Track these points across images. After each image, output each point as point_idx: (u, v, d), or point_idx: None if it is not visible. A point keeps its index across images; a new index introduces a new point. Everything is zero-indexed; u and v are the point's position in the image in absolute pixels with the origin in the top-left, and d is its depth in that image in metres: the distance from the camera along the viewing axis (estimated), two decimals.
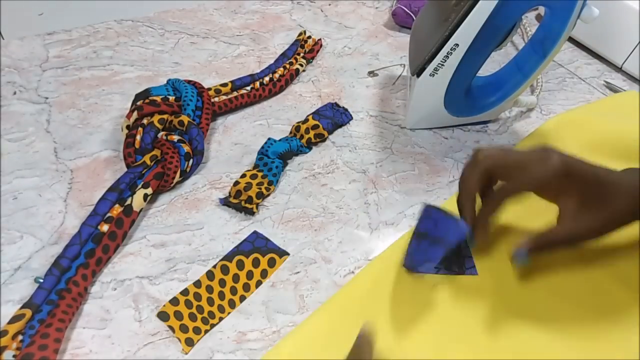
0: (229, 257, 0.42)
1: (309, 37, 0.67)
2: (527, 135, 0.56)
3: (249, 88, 0.58)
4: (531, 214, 0.43)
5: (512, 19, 0.46)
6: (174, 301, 0.39)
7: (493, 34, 0.46)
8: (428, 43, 0.48)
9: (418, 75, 0.50)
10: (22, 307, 0.37)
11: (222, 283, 0.40)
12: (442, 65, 0.48)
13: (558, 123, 0.57)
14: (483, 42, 0.46)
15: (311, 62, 0.65)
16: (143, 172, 0.45)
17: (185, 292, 0.39)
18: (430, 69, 0.48)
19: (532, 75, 0.50)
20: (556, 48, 0.47)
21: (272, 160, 0.49)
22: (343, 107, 0.57)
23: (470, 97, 0.53)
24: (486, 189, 0.41)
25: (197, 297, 0.39)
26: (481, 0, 0.43)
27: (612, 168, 0.38)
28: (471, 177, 0.39)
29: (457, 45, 0.46)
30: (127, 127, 0.49)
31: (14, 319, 0.36)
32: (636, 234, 0.44)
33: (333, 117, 0.55)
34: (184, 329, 0.37)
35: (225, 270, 0.41)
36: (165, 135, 0.49)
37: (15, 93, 0.56)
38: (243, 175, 0.48)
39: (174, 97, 0.52)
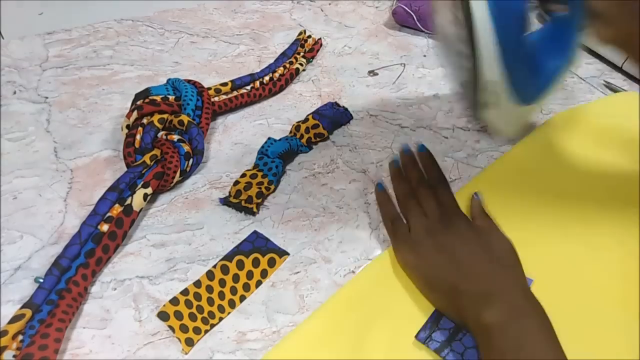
0: (229, 257, 0.42)
1: (309, 36, 0.67)
2: (527, 134, 0.56)
3: (249, 87, 0.58)
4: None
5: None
6: (174, 301, 0.39)
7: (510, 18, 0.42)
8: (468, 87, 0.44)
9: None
10: (22, 307, 0.37)
11: (222, 283, 0.40)
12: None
13: (558, 122, 0.57)
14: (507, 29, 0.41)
15: (311, 61, 0.64)
16: (143, 171, 0.45)
17: (185, 292, 0.39)
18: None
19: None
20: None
21: (272, 160, 0.49)
22: (343, 107, 0.57)
23: (534, 72, 0.47)
24: None
25: (197, 297, 0.39)
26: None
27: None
28: None
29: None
30: (127, 126, 0.49)
31: (14, 319, 0.36)
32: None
33: (333, 116, 0.55)
34: (184, 329, 0.37)
35: (225, 270, 0.41)
36: (165, 134, 0.48)
37: (15, 93, 0.56)
38: (243, 175, 0.48)
39: (174, 97, 0.52)
